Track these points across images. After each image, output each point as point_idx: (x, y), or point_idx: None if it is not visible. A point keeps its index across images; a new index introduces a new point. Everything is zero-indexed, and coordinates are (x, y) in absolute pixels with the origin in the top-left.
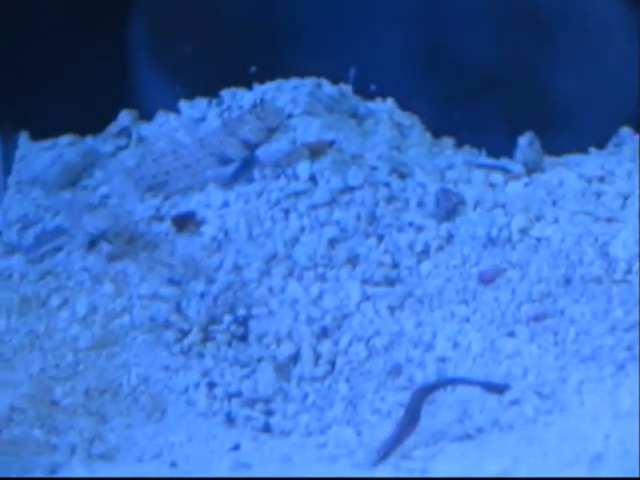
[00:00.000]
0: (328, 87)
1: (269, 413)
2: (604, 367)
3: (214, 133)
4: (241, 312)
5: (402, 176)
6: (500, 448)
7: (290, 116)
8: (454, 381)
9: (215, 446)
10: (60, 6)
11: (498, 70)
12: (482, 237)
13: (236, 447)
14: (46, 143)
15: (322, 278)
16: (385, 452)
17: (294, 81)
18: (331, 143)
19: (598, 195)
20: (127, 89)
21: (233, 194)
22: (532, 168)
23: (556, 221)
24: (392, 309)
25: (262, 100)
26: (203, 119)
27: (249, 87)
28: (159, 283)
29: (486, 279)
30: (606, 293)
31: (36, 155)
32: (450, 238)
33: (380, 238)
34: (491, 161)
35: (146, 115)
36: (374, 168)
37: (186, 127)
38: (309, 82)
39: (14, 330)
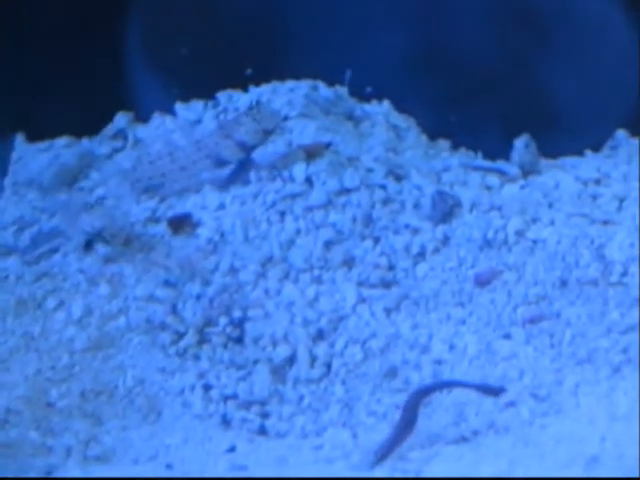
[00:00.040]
0: (324, 89)
1: (265, 415)
2: (600, 369)
3: (210, 135)
4: (237, 314)
5: (398, 178)
6: (496, 450)
7: (286, 118)
8: (450, 383)
9: (211, 448)
10: (55, 9)
11: (494, 73)
12: (478, 239)
13: (232, 449)
14: (42, 145)
15: (318, 280)
16: (382, 454)
17: (290, 83)
18: (327, 145)
19: (594, 197)
20: (123, 91)
21: (229, 196)
22: (528, 170)
23: (552, 223)
24: (388, 311)
25: (258, 102)
26: (199, 121)
27: (245, 89)
28: (155, 285)
29: (482, 281)
30: (602, 295)
31: (32, 157)
32: (446, 240)
33: (376, 240)
34: (487, 163)
35: (142, 117)
36: (370, 170)
37: (182, 129)
38: (305, 84)
39: (10, 332)
